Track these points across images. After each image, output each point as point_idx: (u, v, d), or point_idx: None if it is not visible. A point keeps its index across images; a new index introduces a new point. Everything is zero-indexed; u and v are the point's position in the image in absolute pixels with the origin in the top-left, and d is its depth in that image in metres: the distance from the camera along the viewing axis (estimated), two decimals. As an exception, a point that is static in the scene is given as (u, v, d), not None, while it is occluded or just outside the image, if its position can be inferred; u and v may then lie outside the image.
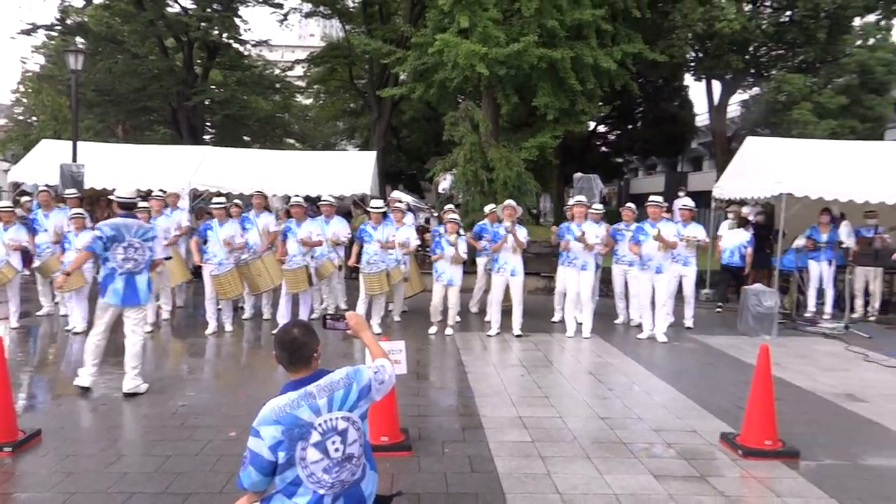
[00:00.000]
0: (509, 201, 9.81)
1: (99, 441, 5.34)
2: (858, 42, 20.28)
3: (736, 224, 13.15)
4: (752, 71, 23.95)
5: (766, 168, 12.01)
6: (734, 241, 12.14)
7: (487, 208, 11.03)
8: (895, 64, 19.82)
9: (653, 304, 9.68)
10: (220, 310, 9.68)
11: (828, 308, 11.81)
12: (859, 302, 12.04)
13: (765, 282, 12.00)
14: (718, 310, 12.25)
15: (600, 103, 17.51)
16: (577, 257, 9.69)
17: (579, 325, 9.97)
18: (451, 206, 11.29)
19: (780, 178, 11.36)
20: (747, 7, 20.33)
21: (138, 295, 6.54)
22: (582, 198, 10.45)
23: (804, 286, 12.00)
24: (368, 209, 10.44)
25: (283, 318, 9.52)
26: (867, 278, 11.94)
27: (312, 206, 12.02)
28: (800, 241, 11.69)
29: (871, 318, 11.76)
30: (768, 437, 5.24)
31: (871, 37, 20.22)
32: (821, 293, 11.97)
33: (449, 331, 9.69)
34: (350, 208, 16.86)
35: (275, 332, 2.94)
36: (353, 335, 3.35)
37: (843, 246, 11.55)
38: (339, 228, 10.41)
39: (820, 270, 11.83)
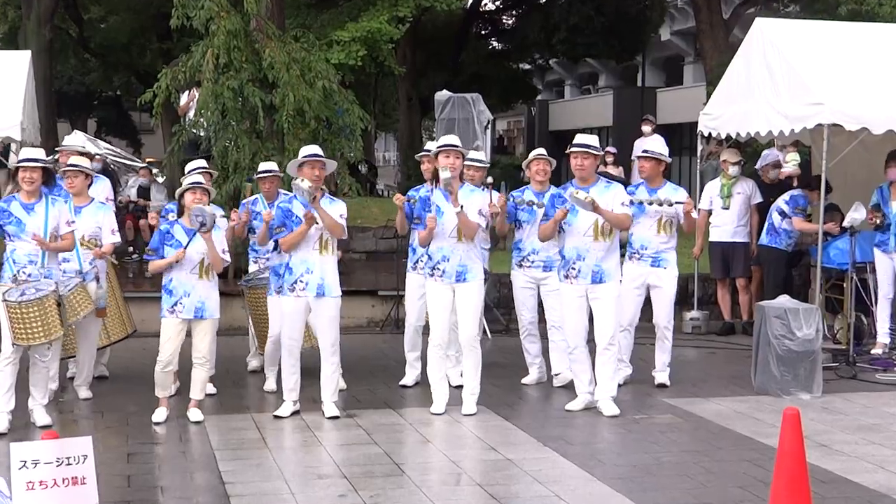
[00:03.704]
0: (310, 149, 9.77)
1: None
2: None
3: (730, 184, 13.88)
4: None
5: (791, 78, 12.67)
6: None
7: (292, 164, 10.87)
8: None
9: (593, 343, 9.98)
10: None
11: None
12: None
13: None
14: None
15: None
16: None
17: (457, 388, 10.12)
18: (199, 162, 11.14)
19: (817, 97, 12.03)
20: None
21: None
22: (451, 139, 10.46)
23: (868, 297, 12.81)
24: (18, 165, 10.09)
25: None
26: None
27: None
28: (857, 215, 12.30)
29: None
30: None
31: None
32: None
33: (194, 413, 9.59)
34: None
35: None
36: None
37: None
38: None
39: (894, 267, 12.66)
